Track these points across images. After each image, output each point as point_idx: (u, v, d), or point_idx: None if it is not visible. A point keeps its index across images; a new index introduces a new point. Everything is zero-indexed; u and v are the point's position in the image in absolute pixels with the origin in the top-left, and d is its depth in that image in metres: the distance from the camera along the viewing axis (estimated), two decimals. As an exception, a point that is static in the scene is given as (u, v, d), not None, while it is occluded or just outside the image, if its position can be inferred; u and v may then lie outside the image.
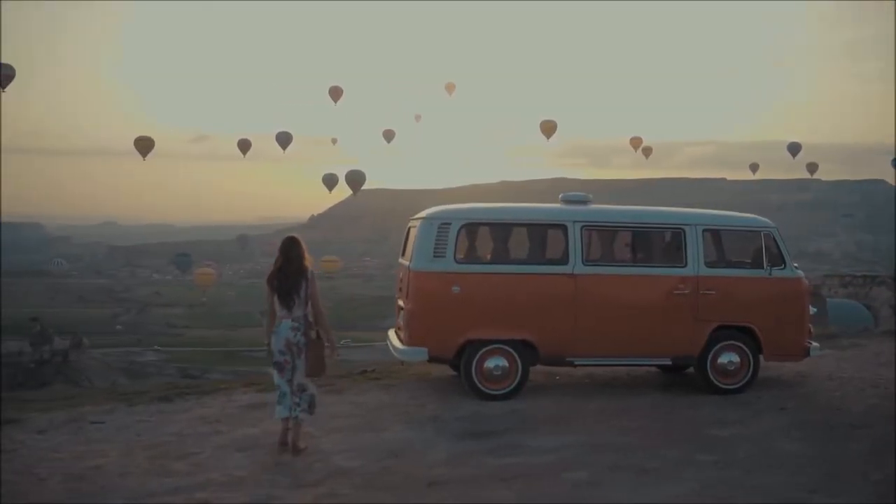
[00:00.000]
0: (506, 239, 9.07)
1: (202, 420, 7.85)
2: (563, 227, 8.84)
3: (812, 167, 73.25)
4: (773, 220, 9.59)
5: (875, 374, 10.03)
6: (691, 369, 9.34)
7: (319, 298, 6.94)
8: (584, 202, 9.32)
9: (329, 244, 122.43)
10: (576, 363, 9.00)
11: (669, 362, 9.18)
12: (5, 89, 38.18)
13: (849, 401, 8.76)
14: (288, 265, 6.84)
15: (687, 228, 8.99)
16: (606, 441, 7.19)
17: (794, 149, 63.84)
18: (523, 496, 5.93)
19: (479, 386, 8.58)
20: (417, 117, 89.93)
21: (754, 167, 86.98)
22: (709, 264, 9.00)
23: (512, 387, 8.61)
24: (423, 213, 9.15)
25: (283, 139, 59.04)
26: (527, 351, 8.67)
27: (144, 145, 54.19)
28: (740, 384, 8.96)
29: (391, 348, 9.22)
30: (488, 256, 9.06)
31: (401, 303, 9.15)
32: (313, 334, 6.85)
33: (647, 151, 71.36)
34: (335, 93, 58.63)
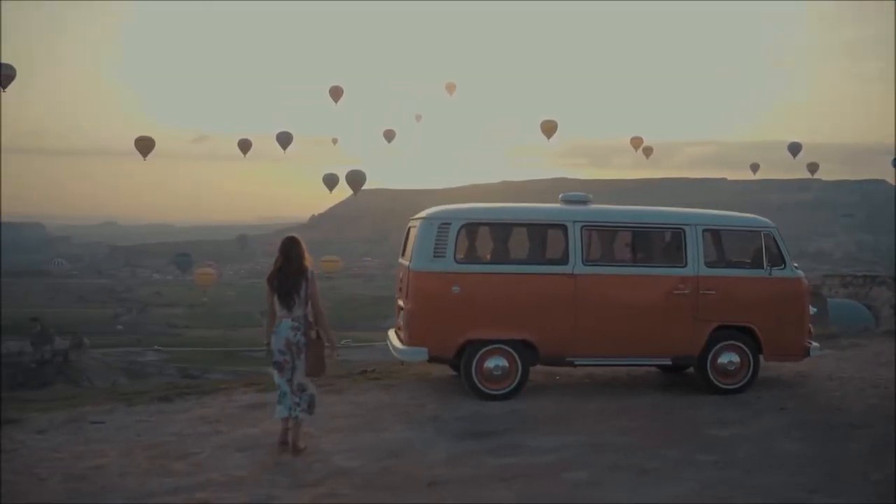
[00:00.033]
0: (506, 239, 9.06)
1: (202, 420, 7.85)
2: (563, 227, 8.84)
3: (813, 167, 73.15)
4: (773, 220, 9.58)
5: (875, 374, 10.03)
6: (691, 369, 9.34)
7: (319, 298, 6.94)
8: (584, 202, 9.31)
9: (329, 244, 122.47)
10: (576, 363, 9.00)
11: (669, 362, 9.18)
12: (6, 89, 38.18)
13: (849, 401, 8.75)
14: (288, 265, 6.84)
15: (687, 228, 8.99)
16: (606, 441, 7.19)
17: (795, 149, 63.78)
18: (523, 496, 5.93)
19: (479, 386, 8.57)
20: (418, 117, 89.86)
21: (755, 167, 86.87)
22: (709, 264, 8.99)
23: (512, 387, 8.61)
24: (422, 213, 9.15)
25: (284, 139, 58.98)
26: (527, 351, 8.66)
27: (145, 145, 54.13)
28: (740, 384, 8.96)
29: (391, 348, 9.22)
30: (488, 256, 9.06)
31: (401, 303, 9.15)
32: (313, 334, 6.85)
33: (648, 151, 71.25)
34: (336, 93, 58.57)
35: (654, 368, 9.97)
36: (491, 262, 8.97)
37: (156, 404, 8.51)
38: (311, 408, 6.85)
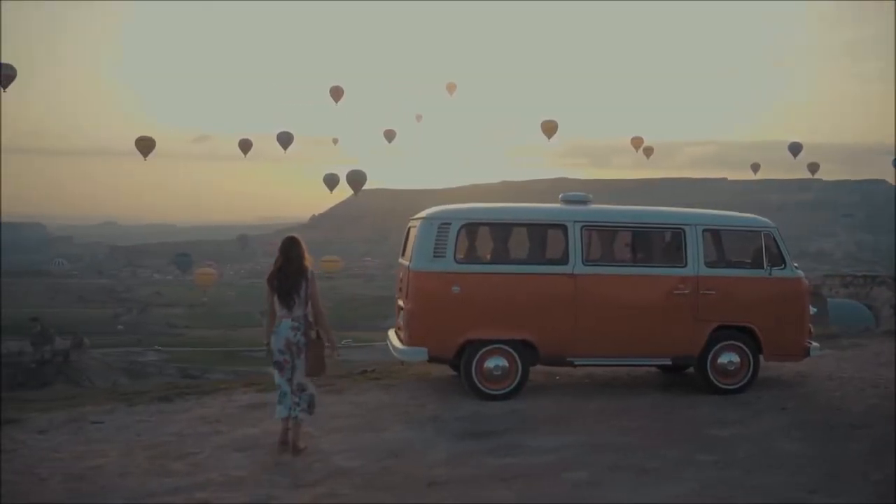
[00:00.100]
0: (506, 239, 9.06)
1: (202, 420, 7.85)
2: (563, 227, 8.84)
3: (813, 167, 73.18)
4: (773, 220, 9.58)
5: (875, 375, 10.02)
6: (691, 369, 9.34)
7: (319, 298, 6.94)
8: (583, 202, 9.31)
9: (330, 244, 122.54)
10: (576, 363, 9.00)
11: (669, 362, 9.18)
12: (6, 90, 38.20)
13: (849, 401, 8.75)
14: (288, 265, 6.85)
15: (687, 228, 8.98)
16: (606, 441, 7.19)
17: (795, 149, 63.82)
18: (523, 496, 5.93)
19: (479, 386, 8.57)
20: (418, 117, 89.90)
21: (755, 167, 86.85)
22: (709, 264, 8.99)
23: (512, 387, 8.61)
24: (422, 213, 9.15)
25: (284, 139, 59.03)
26: (527, 351, 8.66)
27: (146, 145, 54.16)
28: (740, 384, 8.96)
29: (391, 348, 9.22)
30: (488, 256, 9.06)
31: (401, 303, 9.15)
32: (313, 334, 6.85)
33: (648, 151, 71.28)
34: (336, 93, 58.61)
35: (654, 368, 9.96)
36: (491, 262, 8.96)
37: (156, 404, 8.51)
38: (311, 408, 6.85)
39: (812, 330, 9.47)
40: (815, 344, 9.36)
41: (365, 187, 65.41)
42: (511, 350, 8.60)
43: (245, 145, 63.87)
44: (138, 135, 55.42)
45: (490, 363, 8.57)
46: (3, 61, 38.34)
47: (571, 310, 8.71)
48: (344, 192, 66.18)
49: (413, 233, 9.08)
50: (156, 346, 64.99)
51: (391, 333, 9.55)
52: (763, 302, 9.03)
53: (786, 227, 11.13)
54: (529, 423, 7.75)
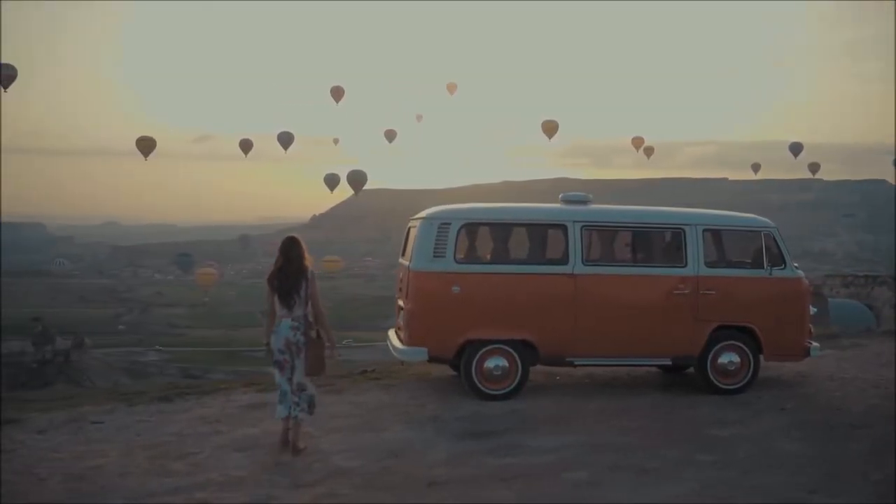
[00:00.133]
0: (506, 239, 9.06)
1: (202, 420, 7.85)
2: (563, 227, 8.83)
3: (814, 167, 73.10)
4: (774, 220, 9.57)
5: (876, 375, 10.02)
6: (691, 369, 9.34)
7: (319, 298, 6.95)
8: (583, 202, 9.31)
9: (331, 244, 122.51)
10: (576, 363, 8.99)
11: (669, 362, 9.18)
12: (7, 90, 38.20)
13: (849, 401, 8.75)
14: (288, 265, 6.85)
15: (687, 228, 8.98)
16: (606, 441, 7.19)
17: (796, 149, 63.77)
18: (523, 496, 5.93)
19: (479, 386, 8.57)
20: (419, 117, 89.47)
21: (756, 167, 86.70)
22: (709, 264, 8.99)
23: (512, 387, 8.61)
24: (422, 213, 9.15)
25: (285, 139, 59.00)
26: (527, 351, 8.66)
27: (146, 145, 54.11)
28: (740, 384, 8.95)
29: (391, 348, 9.22)
30: (488, 256, 9.06)
31: (401, 303, 9.15)
32: (313, 334, 6.85)
33: (649, 151, 71.18)
34: (337, 93, 58.57)
35: (654, 368, 9.96)
36: (491, 262, 8.96)
37: (156, 404, 8.52)
38: (310, 408, 6.85)
39: (812, 330, 9.46)
40: (815, 344, 9.35)
41: (366, 187, 65.38)
42: (511, 350, 8.60)
43: (246, 145, 63.85)
44: (139, 135, 55.44)
45: (490, 363, 8.57)
46: (4, 61, 38.36)
47: (571, 310, 8.71)
48: (345, 192, 66.21)
49: (413, 233, 9.08)
50: (157, 346, 65.02)
51: (391, 333, 9.55)
52: (763, 302, 9.03)
53: (787, 227, 11.13)
54: (529, 423, 7.75)
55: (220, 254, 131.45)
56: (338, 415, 7.93)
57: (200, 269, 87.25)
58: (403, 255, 9.35)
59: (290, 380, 6.81)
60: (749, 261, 9.23)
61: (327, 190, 63.44)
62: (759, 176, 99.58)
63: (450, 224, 8.71)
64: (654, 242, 9.38)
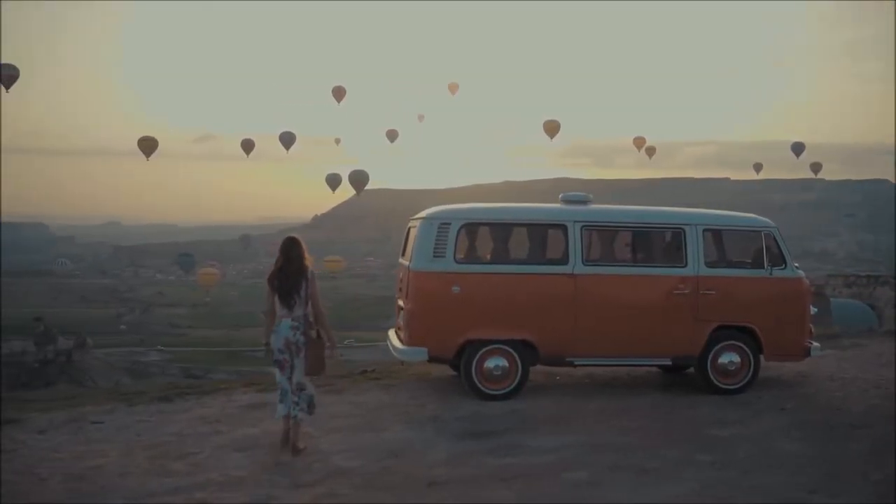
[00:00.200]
0: (506, 239, 9.06)
1: (202, 420, 7.86)
2: (563, 227, 8.83)
3: (816, 167, 73.21)
4: (775, 220, 9.58)
5: (877, 375, 10.00)
6: (691, 369, 9.33)
7: (319, 298, 6.95)
8: (584, 202, 9.31)
9: (332, 244, 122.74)
10: (576, 363, 8.99)
11: (669, 362, 9.17)
12: (8, 90, 38.25)
13: (849, 401, 8.74)
14: (288, 265, 6.86)
15: (687, 228, 8.98)
16: (606, 441, 7.19)
17: (798, 148, 63.86)
18: (523, 496, 5.93)
19: (479, 386, 8.57)
20: (420, 117, 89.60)
21: (758, 167, 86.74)
22: (709, 264, 8.98)
23: (512, 387, 8.61)
24: (422, 213, 9.15)
25: (287, 139, 59.13)
26: (527, 351, 8.66)
27: (148, 145, 54.25)
28: (740, 384, 8.95)
29: (391, 348, 9.22)
30: (488, 256, 9.06)
31: (401, 303, 9.15)
32: (314, 334, 6.86)
33: (651, 151, 71.22)
34: (338, 93, 58.68)
35: (654, 368, 9.96)
36: (491, 262, 8.96)
37: (156, 404, 8.52)
38: (310, 408, 6.86)
39: (812, 330, 9.46)
40: (815, 344, 9.34)
41: (367, 187, 65.53)
42: (511, 350, 8.60)
43: (247, 145, 63.99)
44: (140, 135, 55.66)
45: (490, 363, 8.57)
46: (5, 62, 38.42)
47: (571, 310, 8.71)
48: (346, 192, 66.36)
49: (413, 233, 9.08)
50: (158, 346, 65.02)
51: (391, 333, 9.56)
52: (763, 302, 9.02)
53: (788, 227, 11.15)
54: (529, 423, 7.75)
55: (221, 254, 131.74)
56: (338, 415, 7.94)
57: (202, 269, 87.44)
58: (403, 255, 9.36)
59: (290, 379, 6.82)
60: (749, 261, 9.22)
61: (329, 190, 63.70)
62: (761, 176, 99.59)
63: (450, 224, 8.71)
64: (655, 242, 9.38)
